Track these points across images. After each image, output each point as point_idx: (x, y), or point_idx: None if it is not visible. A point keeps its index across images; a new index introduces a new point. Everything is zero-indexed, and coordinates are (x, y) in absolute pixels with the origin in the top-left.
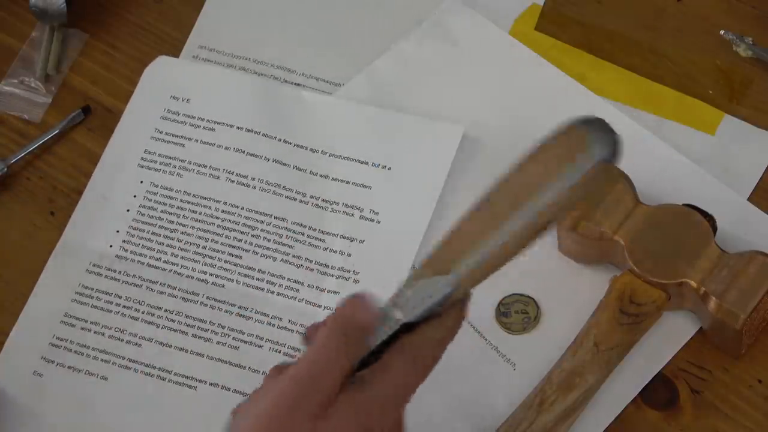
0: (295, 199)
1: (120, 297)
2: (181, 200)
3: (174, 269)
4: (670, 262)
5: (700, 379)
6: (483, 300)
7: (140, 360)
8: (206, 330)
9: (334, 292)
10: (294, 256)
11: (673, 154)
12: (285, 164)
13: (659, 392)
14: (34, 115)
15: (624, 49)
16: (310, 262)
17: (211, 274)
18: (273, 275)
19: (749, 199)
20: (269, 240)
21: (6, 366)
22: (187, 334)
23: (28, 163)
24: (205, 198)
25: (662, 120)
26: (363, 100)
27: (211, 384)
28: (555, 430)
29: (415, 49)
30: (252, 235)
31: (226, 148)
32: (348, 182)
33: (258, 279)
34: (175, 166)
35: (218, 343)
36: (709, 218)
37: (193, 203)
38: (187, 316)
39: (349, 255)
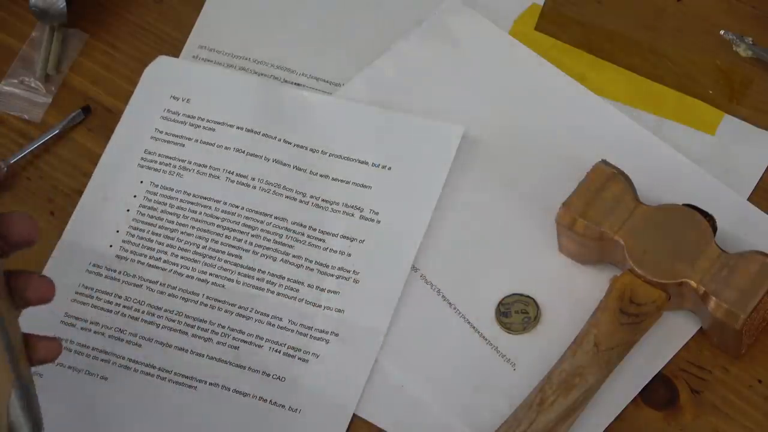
0: (295, 199)
1: (120, 297)
2: (181, 200)
3: (174, 269)
4: (670, 262)
5: (700, 379)
6: (483, 300)
7: (140, 360)
8: (206, 330)
9: (334, 292)
10: (294, 256)
11: (673, 154)
12: (285, 164)
13: (659, 392)
14: (34, 115)
15: (624, 49)
16: (310, 262)
17: (211, 274)
18: (273, 275)
19: (749, 199)
20: (269, 240)
21: None
22: (187, 334)
23: (28, 163)
24: (205, 198)
25: (662, 120)
26: (363, 100)
27: (211, 384)
28: (555, 430)
29: (415, 49)
30: (252, 235)
31: (226, 148)
32: (348, 182)
33: (258, 279)
34: (175, 166)
35: (218, 343)
36: (709, 218)
37: (193, 203)
38: (187, 316)
39: (349, 255)
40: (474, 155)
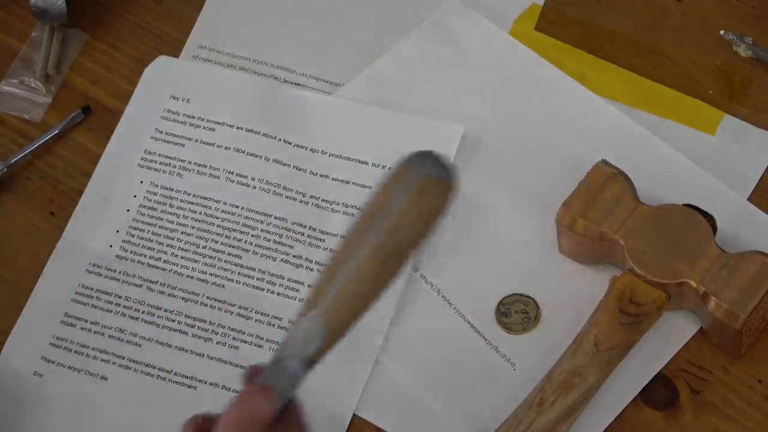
0: (295, 199)
1: (120, 297)
2: (181, 200)
3: (174, 269)
4: (670, 262)
5: (700, 379)
6: (483, 300)
7: (140, 360)
8: (206, 330)
9: None
10: (294, 256)
11: (673, 154)
12: (285, 164)
13: (659, 392)
14: (34, 115)
15: (624, 49)
16: (310, 262)
17: (211, 274)
18: (273, 275)
19: (749, 199)
20: (269, 240)
21: (6, 366)
22: (187, 334)
23: (28, 163)
24: (205, 198)
25: (662, 120)
26: (363, 100)
27: (211, 384)
28: (555, 430)
29: (415, 49)
30: (252, 235)
31: (226, 148)
32: (348, 182)
33: (258, 279)
34: (175, 166)
35: (218, 343)
36: (709, 218)
37: (193, 203)
38: (187, 316)
39: None
40: (474, 155)
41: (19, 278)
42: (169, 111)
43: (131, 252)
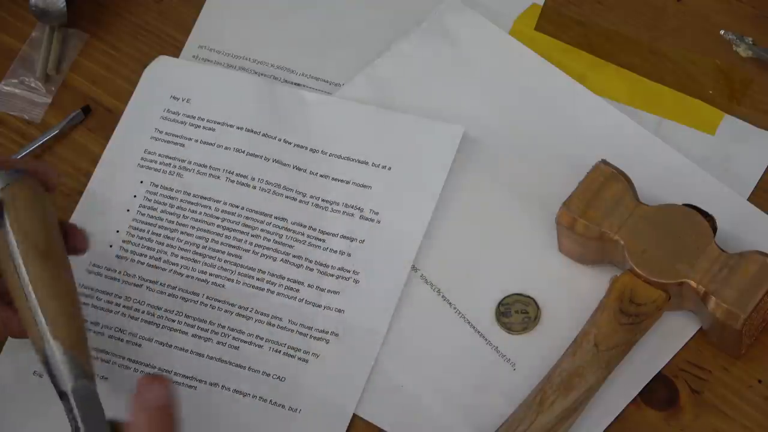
0: (295, 199)
1: (120, 297)
2: (181, 200)
3: (174, 269)
4: (670, 262)
5: (700, 379)
6: (483, 300)
7: (140, 360)
8: (206, 330)
9: (334, 292)
10: (294, 256)
11: (673, 154)
12: (285, 164)
13: (659, 392)
14: (34, 115)
15: (624, 49)
16: (310, 262)
17: (211, 274)
18: (273, 275)
19: (749, 199)
20: (269, 240)
21: (7, 366)
22: (187, 334)
23: None
24: (205, 198)
25: (662, 120)
26: (363, 100)
27: (211, 384)
28: (555, 430)
29: (415, 49)
30: (252, 235)
31: (226, 148)
32: (348, 182)
33: (258, 279)
34: (175, 166)
35: (218, 343)
36: (709, 218)
37: (193, 203)
38: (187, 316)
39: (349, 255)
40: (474, 155)
41: None
42: (169, 111)
43: (131, 252)
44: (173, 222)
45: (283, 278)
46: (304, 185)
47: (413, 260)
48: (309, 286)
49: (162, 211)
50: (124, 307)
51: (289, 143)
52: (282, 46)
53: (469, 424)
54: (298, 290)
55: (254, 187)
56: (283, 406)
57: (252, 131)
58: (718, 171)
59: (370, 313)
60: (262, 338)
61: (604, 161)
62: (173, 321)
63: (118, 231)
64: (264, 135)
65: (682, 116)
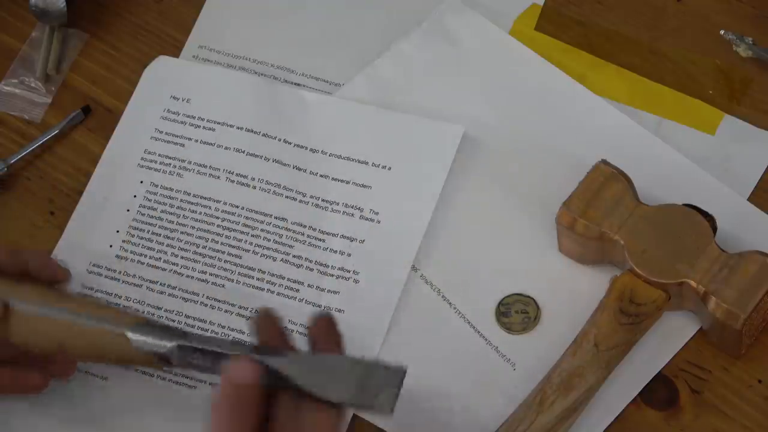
0: (295, 199)
1: (120, 297)
2: (181, 200)
3: (174, 269)
4: (670, 262)
5: (700, 379)
6: (483, 300)
7: None
8: (206, 330)
9: (334, 292)
10: (294, 256)
11: (673, 154)
12: (285, 164)
13: (659, 392)
14: (34, 115)
15: (624, 49)
16: (310, 262)
17: (211, 274)
18: (273, 275)
19: (749, 199)
20: (269, 240)
21: None
22: None
23: (28, 163)
24: (205, 198)
25: (662, 120)
26: (363, 100)
27: (211, 384)
28: (555, 430)
29: (415, 49)
30: (252, 235)
31: (226, 148)
32: (348, 182)
33: (258, 279)
34: (175, 166)
35: None
36: (709, 218)
37: (193, 203)
38: (187, 316)
39: (349, 255)
40: (474, 155)
41: None
42: (169, 111)
43: (131, 252)
44: (173, 222)
45: (283, 278)
46: (304, 185)
47: (413, 260)
48: (309, 286)
49: (162, 211)
50: (123, 307)
51: (289, 143)
52: (282, 46)
53: (469, 424)
54: (298, 290)
55: (254, 187)
56: None
57: (252, 131)
58: (718, 171)
59: (370, 313)
60: None
61: (604, 161)
62: (173, 321)
63: (118, 231)
64: (264, 135)
65: (682, 116)
